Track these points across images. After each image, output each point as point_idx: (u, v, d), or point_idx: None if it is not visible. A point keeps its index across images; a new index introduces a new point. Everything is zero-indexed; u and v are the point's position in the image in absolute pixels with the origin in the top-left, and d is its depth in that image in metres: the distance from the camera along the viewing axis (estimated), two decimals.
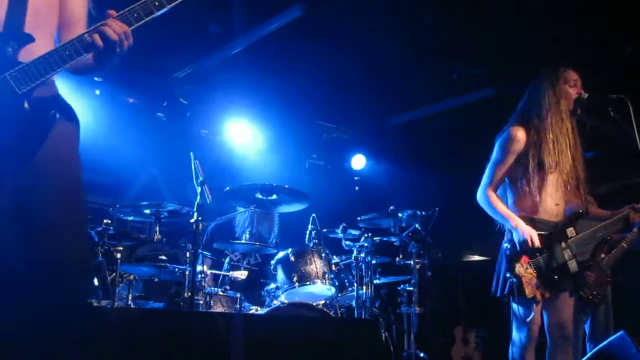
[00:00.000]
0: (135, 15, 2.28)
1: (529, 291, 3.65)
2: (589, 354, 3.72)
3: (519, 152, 3.85)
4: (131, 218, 5.76)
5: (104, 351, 1.85)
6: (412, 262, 6.23)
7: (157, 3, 2.29)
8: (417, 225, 6.18)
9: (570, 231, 3.79)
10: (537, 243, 3.68)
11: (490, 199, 3.88)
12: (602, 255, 3.92)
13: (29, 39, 2.24)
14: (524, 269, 3.69)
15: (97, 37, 2.20)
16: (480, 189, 3.96)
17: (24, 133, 2.17)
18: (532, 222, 3.79)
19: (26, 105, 2.17)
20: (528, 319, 3.69)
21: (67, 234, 2.20)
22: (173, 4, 2.30)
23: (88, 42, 2.22)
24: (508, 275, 3.70)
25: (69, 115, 2.39)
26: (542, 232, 3.76)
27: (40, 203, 2.18)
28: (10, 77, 2.16)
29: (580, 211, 3.88)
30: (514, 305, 3.80)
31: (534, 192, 3.80)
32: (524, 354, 3.78)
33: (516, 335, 3.83)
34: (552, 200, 3.84)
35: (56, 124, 2.26)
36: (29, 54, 2.22)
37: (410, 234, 6.20)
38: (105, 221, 5.36)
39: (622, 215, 3.93)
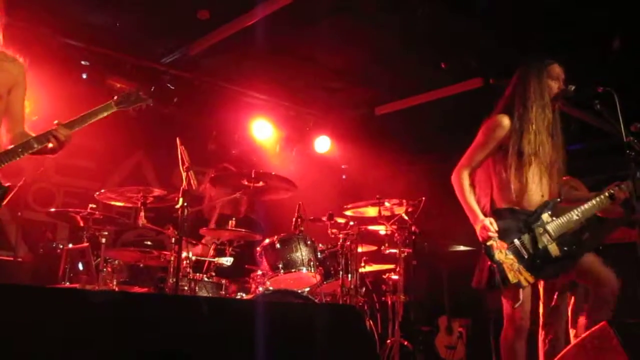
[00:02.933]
0: (72, 125, 3.55)
1: (512, 276, 3.68)
2: (570, 345, 3.73)
3: (501, 139, 3.88)
4: (117, 203, 5.72)
5: (85, 333, 1.85)
6: (397, 251, 6.25)
7: (93, 117, 3.66)
8: (403, 215, 6.19)
9: (546, 217, 3.82)
10: (494, 227, 3.73)
11: (463, 185, 3.93)
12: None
13: None
14: (504, 255, 3.72)
15: (51, 139, 3.48)
16: (456, 169, 3.99)
17: None
18: (514, 212, 3.82)
19: None
20: (516, 306, 3.71)
21: None
22: (100, 117, 3.68)
23: (42, 142, 3.47)
24: (489, 263, 3.72)
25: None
26: (518, 219, 3.80)
27: None
28: None
29: (556, 199, 3.91)
30: (502, 295, 3.81)
31: (512, 180, 3.82)
32: (514, 344, 3.77)
33: (506, 325, 3.83)
34: (538, 192, 3.87)
35: None
36: None
37: (396, 223, 6.21)
38: (90, 206, 5.34)
39: (606, 194, 3.93)
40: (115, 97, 3.78)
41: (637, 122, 3.91)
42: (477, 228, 3.82)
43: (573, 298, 4.74)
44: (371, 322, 6.21)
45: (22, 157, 3.43)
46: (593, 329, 3.28)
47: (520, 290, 3.71)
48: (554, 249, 3.77)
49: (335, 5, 6.18)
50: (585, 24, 5.96)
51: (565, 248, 3.79)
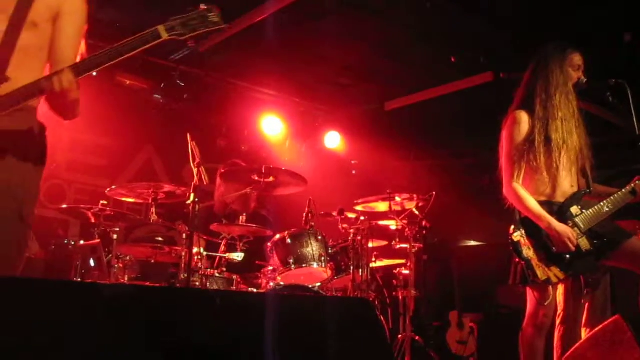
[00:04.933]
0: (84, 67, 2.65)
1: (540, 273, 3.60)
2: (583, 340, 3.71)
3: (527, 133, 3.77)
4: (127, 199, 5.73)
5: (97, 327, 1.86)
6: (408, 246, 6.24)
7: (104, 59, 2.70)
8: (413, 210, 6.18)
9: (575, 209, 3.72)
10: (574, 243, 3.61)
11: (521, 195, 3.73)
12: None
13: (3, 80, 2.58)
14: (532, 252, 3.65)
15: (47, 84, 2.55)
16: (506, 184, 3.82)
17: None
18: (549, 205, 3.72)
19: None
20: (546, 303, 3.65)
21: None
22: (115, 62, 2.74)
23: (41, 86, 2.56)
24: (518, 260, 3.67)
25: (33, 150, 2.72)
26: (549, 213, 3.70)
27: None
28: None
29: (585, 190, 3.83)
30: (529, 291, 3.75)
31: (542, 169, 3.73)
32: (533, 342, 3.74)
33: (527, 322, 3.79)
34: (568, 183, 3.79)
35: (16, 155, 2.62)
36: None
37: (407, 218, 6.21)
38: (101, 202, 5.35)
39: (630, 187, 3.82)
40: (169, 21, 2.75)
41: None
42: (555, 235, 3.63)
43: (591, 297, 4.72)
44: (382, 317, 6.20)
45: (33, 99, 2.63)
46: (606, 322, 3.27)
47: (550, 287, 3.66)
48: (583, 243, 3.65)
49: (344, 0, 6.17)
50: (597, 17, 5.94)
51: (596, 241, 3.69)
